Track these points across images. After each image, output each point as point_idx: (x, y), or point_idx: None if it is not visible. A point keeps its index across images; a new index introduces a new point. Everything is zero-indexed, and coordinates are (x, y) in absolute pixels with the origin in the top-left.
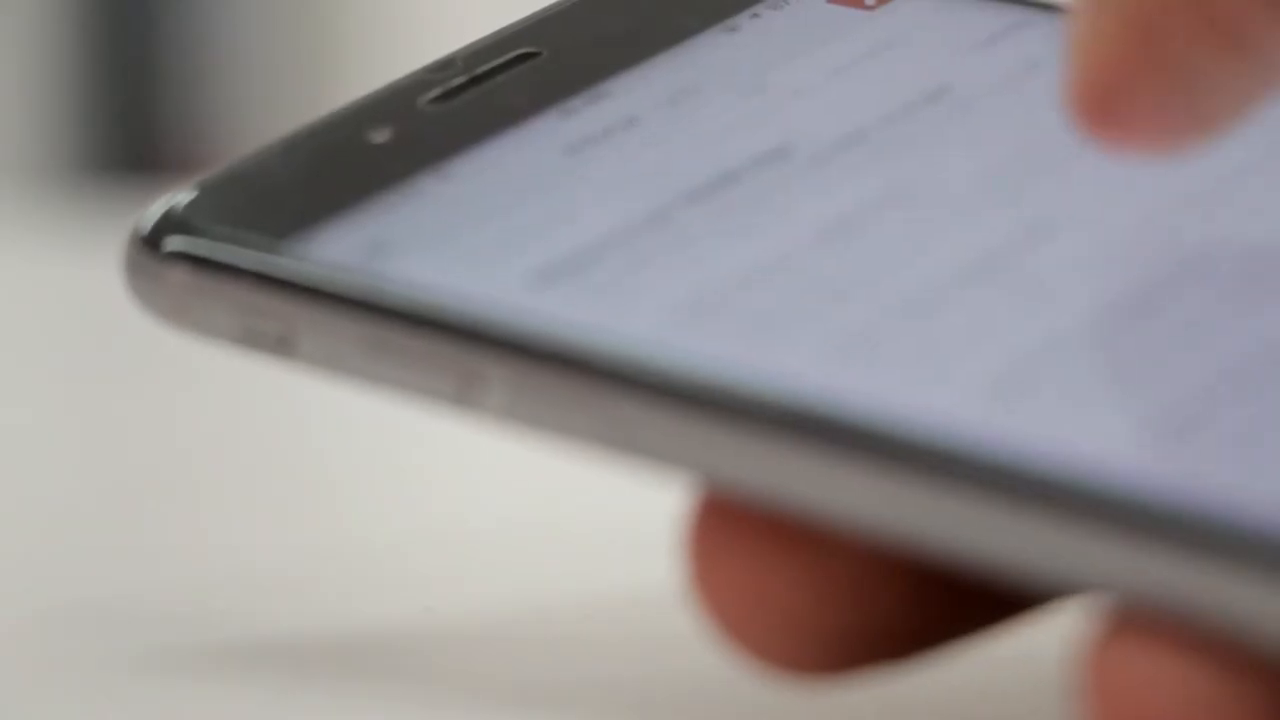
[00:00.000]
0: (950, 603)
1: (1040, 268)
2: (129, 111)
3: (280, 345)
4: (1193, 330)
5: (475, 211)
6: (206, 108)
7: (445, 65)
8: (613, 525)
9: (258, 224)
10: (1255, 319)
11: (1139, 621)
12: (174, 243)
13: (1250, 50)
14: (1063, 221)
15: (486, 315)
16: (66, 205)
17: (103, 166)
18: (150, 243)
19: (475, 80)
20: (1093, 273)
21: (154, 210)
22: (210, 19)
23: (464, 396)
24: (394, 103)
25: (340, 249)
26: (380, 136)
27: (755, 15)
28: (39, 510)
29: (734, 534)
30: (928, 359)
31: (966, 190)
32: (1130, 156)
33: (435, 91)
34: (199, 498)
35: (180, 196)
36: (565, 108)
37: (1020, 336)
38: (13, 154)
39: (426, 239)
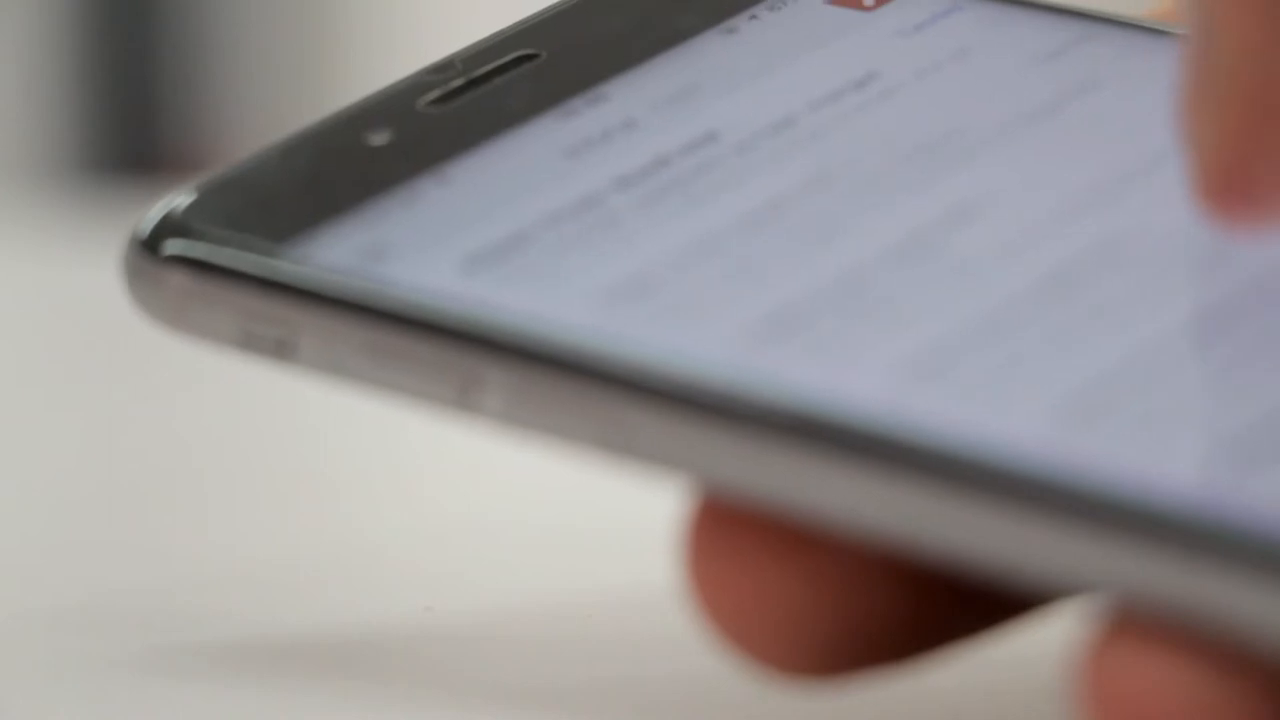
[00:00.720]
0: (948, 605)
1: (1078, 288)
2: (129, 111)
3: (279, 349)
4: (1194, 331)
5: (474, 214)
6: (206, 108)
7: (444, 67)
8: (611, 527)
9: (256, 227)
10: (1258, 321)
11: (1137, 623)
12: (172, 246)
13: None
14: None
15: (486, 319)
16: (66, 205)
17: (103, 166)
18: (149, 246)
19: (474, 82)
20: (1104, 272)
21: (152, 213)
22: (210, 19)
23: (463, 400)
24: (393, 105)
25: (339, 252)
26: (379, 139)
27: (754, 17)
28: (39, 510)
29: (732, 537)
30: (928, 358)
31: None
32: (1267, 235)
33: (434, 94)
34: (199, 498)
35: (179, 199)
36: (564, 110)
37: (1020, 337)
38: (13, 154)
39: (426, 242)
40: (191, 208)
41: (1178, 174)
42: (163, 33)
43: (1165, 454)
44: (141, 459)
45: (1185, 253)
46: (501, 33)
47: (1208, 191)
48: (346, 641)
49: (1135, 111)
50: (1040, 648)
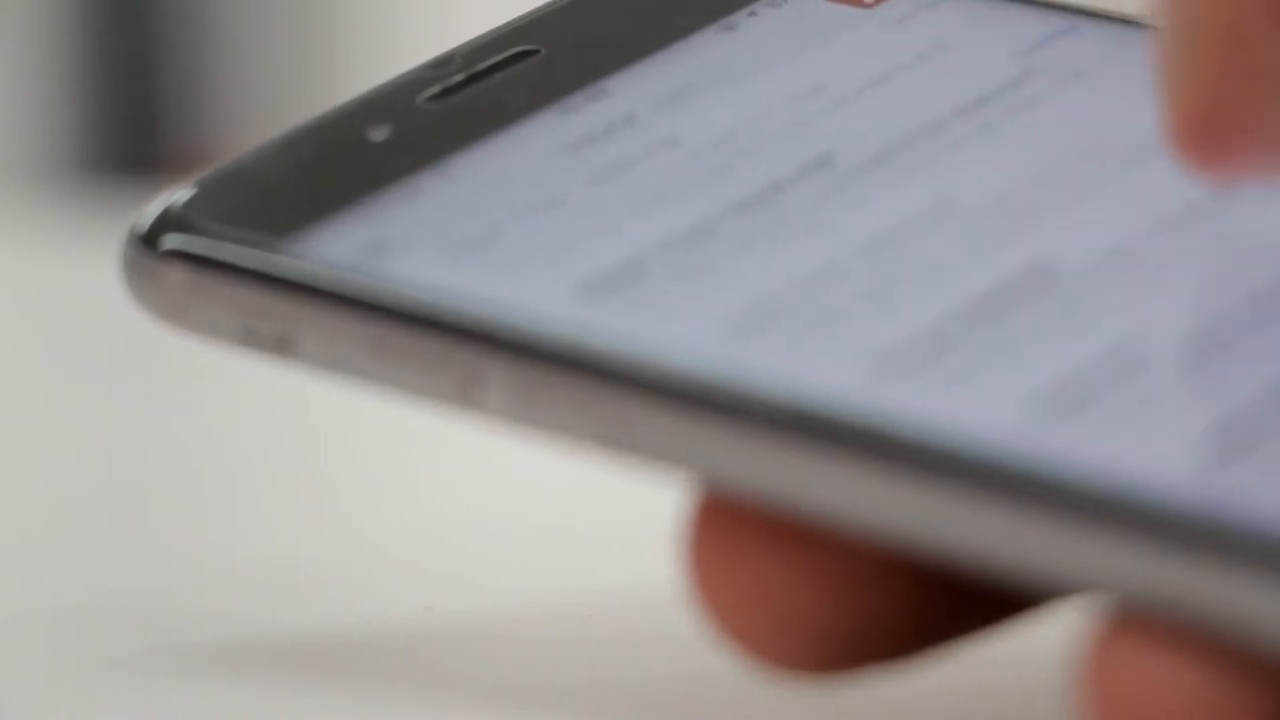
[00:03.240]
0: (950, 602)
1: (1069, 280)
2: (129, 111)
3: (279, 345)
4: (1191, 324)
5: (474, 209)
6: (206, 108)
7: (444, 62)
8: (612, 527)
9: (256, 222)
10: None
11: (1139, 622)
12: (172, 241)
13: None
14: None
15: (486, 314)
16: (66, 205)
17: (103, 166)
18: (148, 241)
19: (474, 78)
20: (1120, 286)
21: (152, 208)
22: (210, 19)
23: (464, 396)
24: (393, 100)
25: (339, 247)
26: (379, 134)
27: (753, 14)
28: (38, 510)
29: (734, 534)
30: (928, 357)
31: (980, 203)
32: (1242, 185)
33: (434, 89)
34: (199, 498)
35: (178, 194)
36: (564, 105)
37: (1020, 330)
38: (13, 154)
39: (426, 237)
40: (191, 202)
41: (1161, 166)
42: (163, 33)
43: (1166, 452)
44: (141, 459)
45: (1171, 245)
46: (502, 28)
47: (1181, 139)
48: (346, 641)
49: (1126, 103)
50: (1040, 647)
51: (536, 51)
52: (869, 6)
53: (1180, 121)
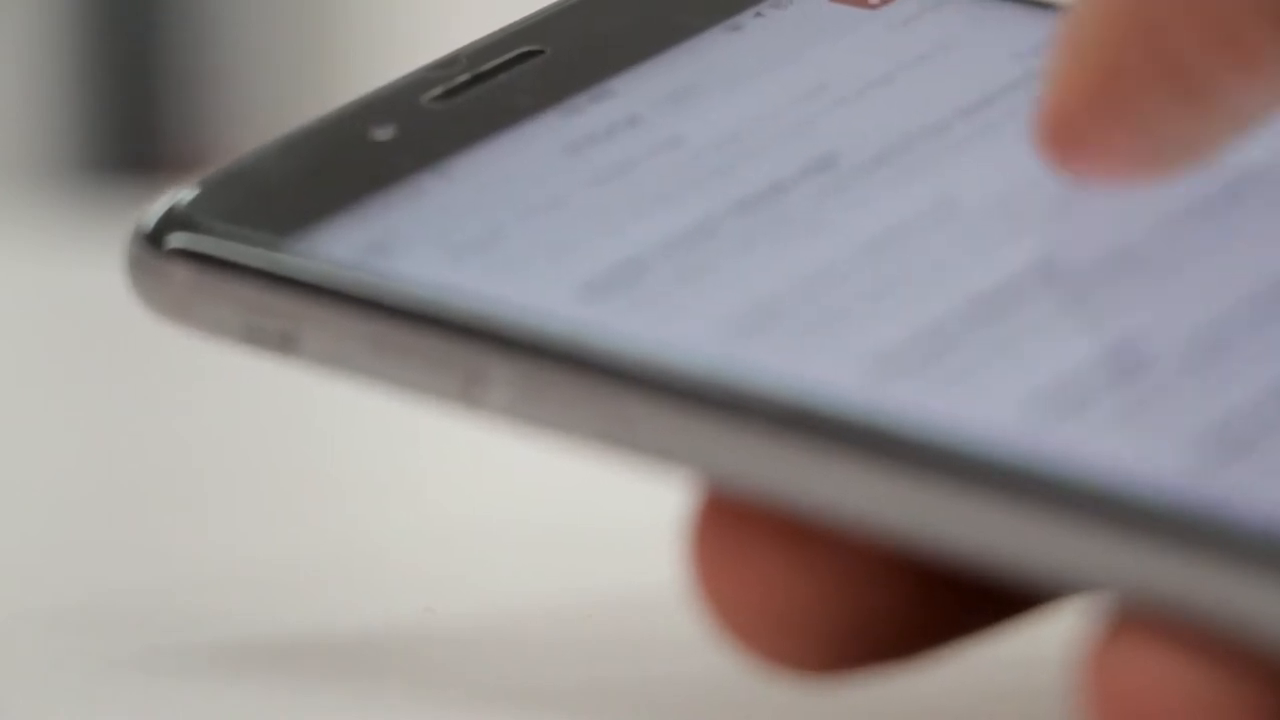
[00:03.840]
0: (953, 602)
1: (1069, 279)
2: (129, 111)
3: (283, 343)
4: (1195, 324)
5: (478, 209)
6: (206, 107)
7: (449, 63)
8: (615, 524)
9: (261, 221)
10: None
11: (1139, 621)
12: (177, 240)
13: (1210, 100)
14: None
15: (489, 313)
16: (66, 205)
17: (103, 166)
18: (153, 240)
19: (479, 78)
20: (1120, 286)
21: (156, 207)
22: (211, 19)
23: (467, 394)
24: (397, 100)
25: (343, 246)
26: (383, 134)
27: (758, 14)
28: (39, 510)
29: (738, 532)
30: (929, 356)
31: (983, 204)
32: (1090, 185)
33: (438, 89)
34: (200, 497)
35: (183, 194)
36: (568, 106)
37: (1033, 337)
38: (13, 154)
39: (429, 236)
40: (195, 202)
41: (1214, 160)
42: (163, 33)
43: (1167, 450)
44: (141, 459)
45: (1171, 244)
46: (506, 29)
47: (1043, 133)
48: (347, 641)
49: None
50: (1041, 646)
51: (541, 52)
52: (873, 8)
53: (1045, 119)
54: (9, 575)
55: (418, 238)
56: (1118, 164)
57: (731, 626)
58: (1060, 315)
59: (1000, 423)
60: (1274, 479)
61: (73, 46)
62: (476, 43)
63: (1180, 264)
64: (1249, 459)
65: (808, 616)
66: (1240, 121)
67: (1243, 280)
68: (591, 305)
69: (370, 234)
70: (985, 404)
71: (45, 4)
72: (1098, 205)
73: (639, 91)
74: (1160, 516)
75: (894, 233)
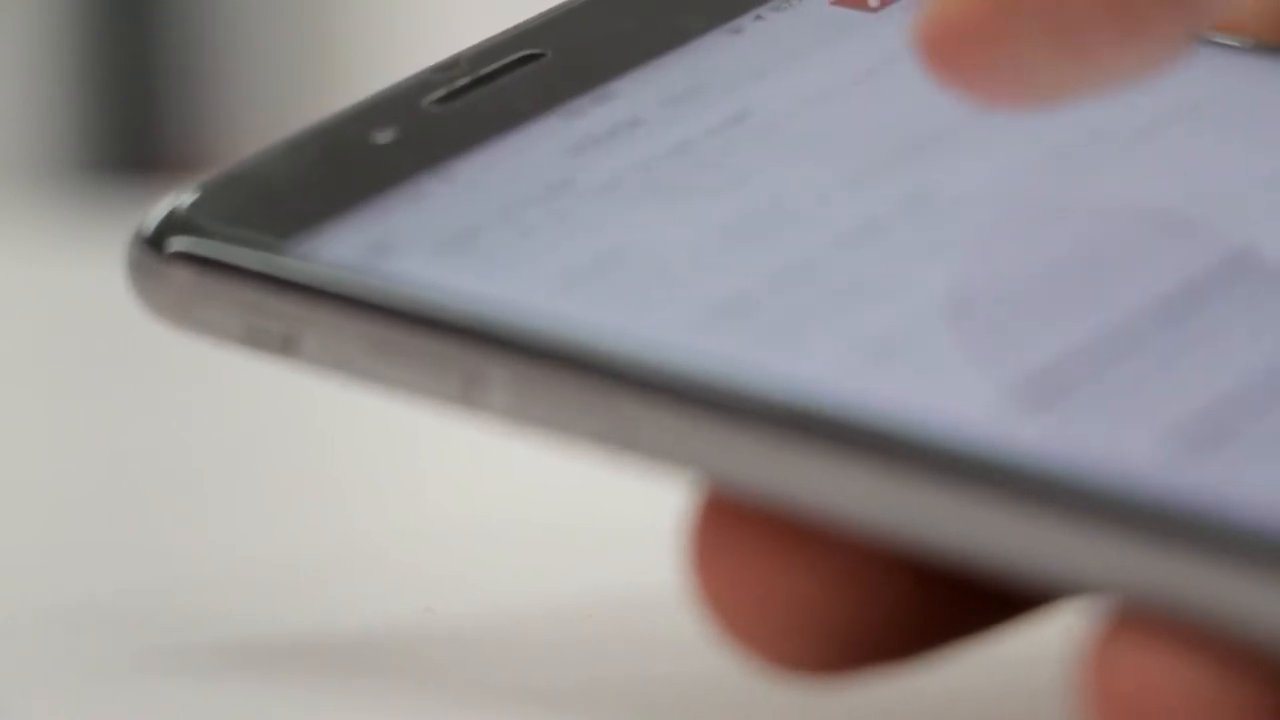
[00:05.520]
0: (953, 602)
1: (1066, 274)
2: (129, 111)
3: (284, 345)
4: (1205, 333)
5: (478, 212)
6: (206, 108)
7: (450, 66)
8: (613, 528)
9: (261, 224)
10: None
11: (1140, 621)
12: (177, 243)
13: (1088, 56)
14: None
15: (489, 315)
16: (66, 205)
17: (103, 166)
18: (153, 243)
19: (479, 81)
20: (1110, 277)
21: (157, 210)
22: (210, 19)
23: (467, 396)
24: (398, 103)
25: (344, 249)
26: (384, 137)
27: (759, 17)
28: (39, 510)
29: (737, 533)
30: (929, 355)
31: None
32: (966, 102)
33: (439, 92)
34: (200, 497)
35: (183, 197)
36: (569, 109)
37: (1020, 339)
38: (13, 154)
39: (430, 239)
40: (196, 204)
41: (1159, 159)
42: (163, 33)
43: (1168, 450)
44: (141, 459)
45: (1162, 235)
46: (507, 32)
47: (925, 44)
48: (347, 641)
49: (1129, 103)
50: (1041, 647)
51: (542, 55)
52: (873, 10)
53: (928, 30)
54: (9, 575)
55: (418, 240)
56: (988, 89)
57: (731, 627)
58: (1052, 309)
59: (1001, 422)
60: (1274, 478)
61: (73, 46)
62: (477, 46)
63: (1171, 253)
64: (1249, 458)
65: (807, 617)
66: (1115, 79)
67: (1228, 268)
68: (590, 307)
69: (371, 237)
70: (985, 404)
71: (45, 4)
72: (1093, 202)
73: (640, 94)
74: (1160, 516)
75: (895, 232)
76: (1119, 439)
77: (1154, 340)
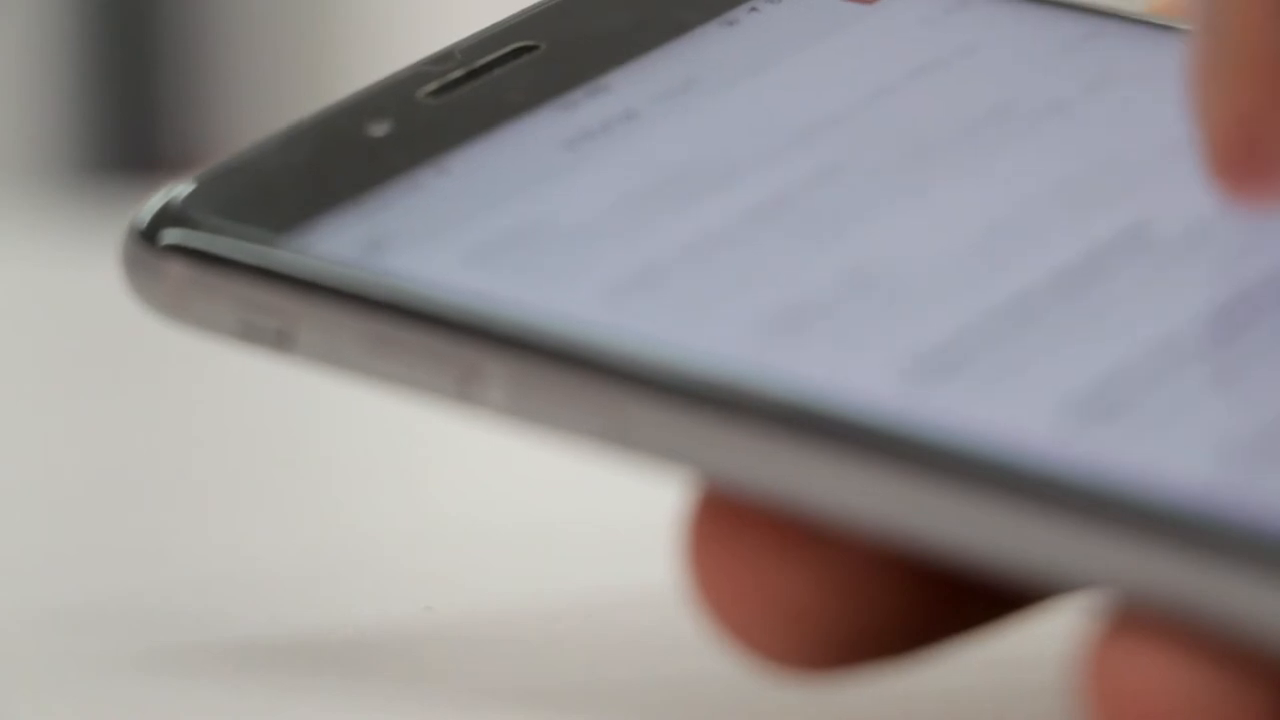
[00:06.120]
0: (951, 600)
1: (1070, 278)
2: (129, 111)
3: (279, 340)
4: (1204, 326)
5: (474, 205)
6: (206, 108)
7: (444, 58)
8: (613, 523)
9: (256, 217)
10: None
11: (1139, 621)
12: (171, 236)
13: None
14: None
15: (486, 309)
16: (66, 205)
17: (103, 166)
18: (147, 236)
19: (474, 73)
20: (1128, 282)
21: (151, 203)
22: (210, 19)
23: (464, 392)
24: (392, 96)
25: (339, 243)
26: (379, 130)
27: (754, 9)
28: (39, 510)
29: (734, 531)
30: (930, 354)
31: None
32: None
33: (434, 84)
34: (199, 497)
35: (178, 190)
36: (564, 101)
37: (1029, 333)
38: (13, 154)
39: (425, 232)
40: (190, 197)
41: (1185, 167)
42: (162, 33)
43: (1168, 450)
44: (141, 459)
45: (1198, 248)
46: (501, 24)
47: (1219, 167)
48: (346, 641)
49: (1143, 106)
50: (1040, 646)
51: (536, 47)
52: (870, 3)
53: (1217, 151)
54: (9, 575)
55: (413, 234)
56: None
57: (729, 626)
58: (1067, 314)
59: (1001, 421)
60: (1274, 478)
61: (73, 46)
62: (471, 38)
63: (1194, 257)
64: (1249, 458)
65: (805, 615)
66: None
67: (1127, 238)
68: (588, 302)
69: (366, 230)
70: (985, 403)
71: (45, 4)
72: (1092, 203)
73: (635, 86)
74: (1160, 515)
75: (895, 231)
76: (1120, 436)
77: (1168, 342)
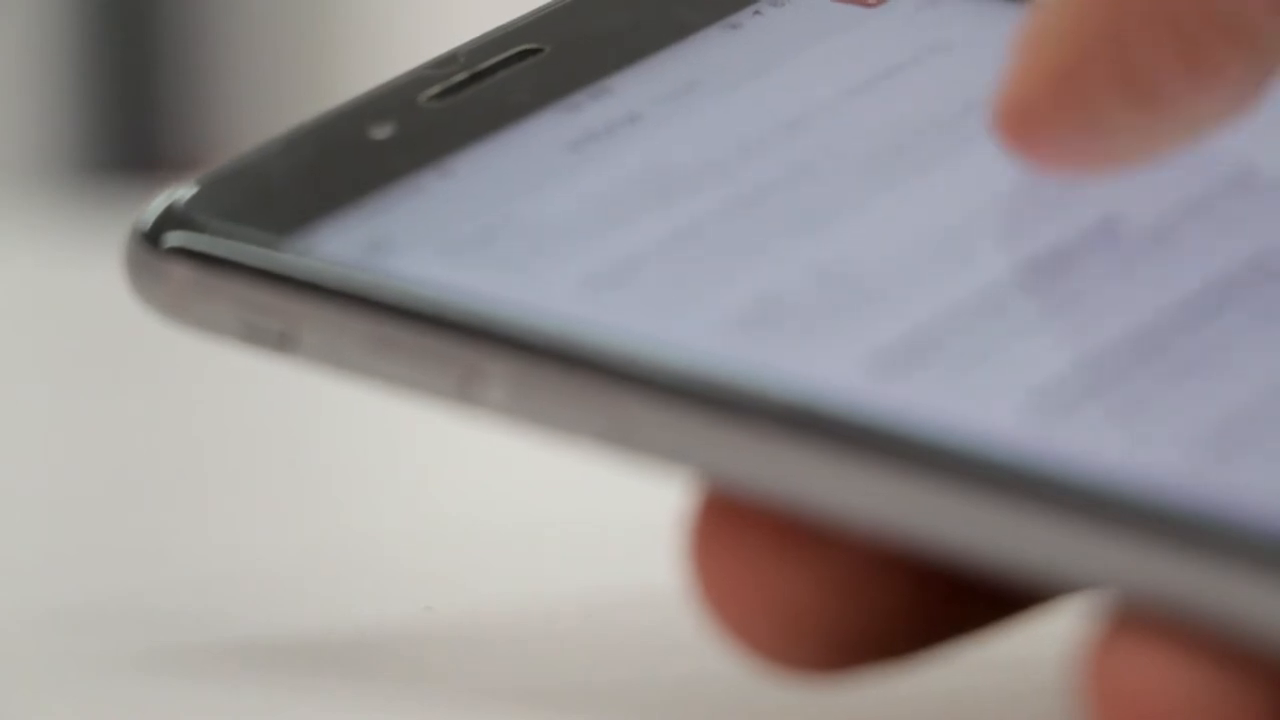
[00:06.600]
0: (952, 601)
1: (1069, 275)
2: (129, 111)
3: (281, 341)
4: (1201, 321)
5: (476, 207)
6: (206, 108)
7: (447, 61)
8: (614, 523)
9: (259, 220)
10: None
11: (1140, 621)
12: (175, 238)
13: (1163, 106)
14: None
15: (487, 311)
16: (66, 205)
17: (103, 166)
18: (151, 238)
19: (477, 76)
20: (1117, 274)
21: (154, 206)
22: (210, 19)
23: (465, 393)
24: (395, 99)
25: (341, 245)
26: (382, 133)
27: (757, 12)
28: (39, 510)
29: (736, 532)
30: (931, 354)
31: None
32: (1039, 173)
33: (437, 88)
34: (199, 497)
35: (181, 192)
36: (567, 104)
37: (1029, 337)
38: (13, 154)
39: (427, 235)
40: (193, 200)
41: (1166, 160)
42: (162, 33)
43: (1168, 450)
44: (142, 458)
45: (1166, 242)
46: (505, 27)
47: (999, 119)
48: (346, 641)
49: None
50: (1040, 647)
51: (540, 50)
52: (872, 6)
53: (1002, 106)
54: (9, 575)
55: (415, 236)
56: (1068, 157)
57: (730, 626)
58: (1054, 312)
59: (999, 421)
60: (1275, 478)
61: (73, 46)
62: (474, 41)
63: (1171, 250)
64: (1250, 458)
65: (806, 616)
66: (1191, 129)
67: (1240, 272)
68: (589, 303)
69: (368, 233)
70: (985, 403)
71: (46, 4)
72: (1092, 200)
73: (638, 89)
74: (1160, 515)
75: (895, 231)
76: (1120, 437)
77: (1161, 335)
